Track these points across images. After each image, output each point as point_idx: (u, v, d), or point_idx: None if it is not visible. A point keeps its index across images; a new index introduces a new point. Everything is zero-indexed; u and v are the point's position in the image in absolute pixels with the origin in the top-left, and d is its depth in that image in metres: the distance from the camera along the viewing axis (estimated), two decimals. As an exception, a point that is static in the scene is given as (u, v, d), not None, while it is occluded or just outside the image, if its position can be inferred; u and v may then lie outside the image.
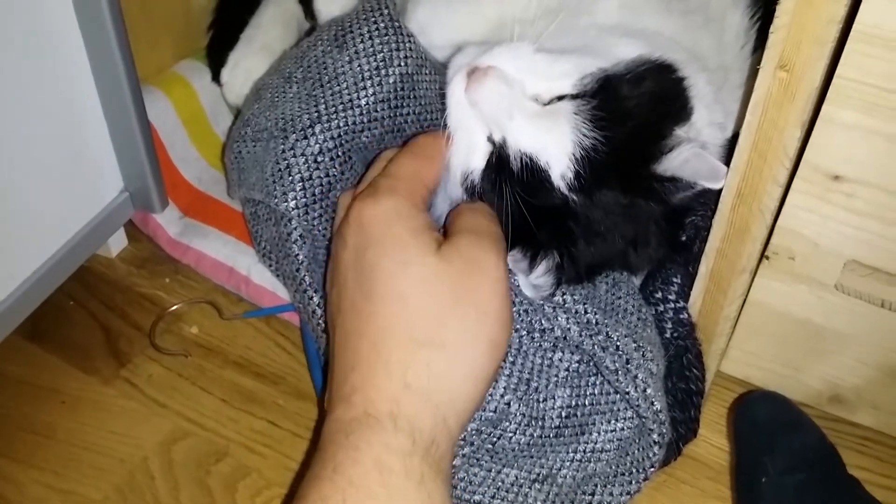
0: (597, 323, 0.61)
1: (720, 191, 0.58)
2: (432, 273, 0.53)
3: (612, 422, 0.63)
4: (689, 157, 0.58)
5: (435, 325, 0.52)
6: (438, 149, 0.62)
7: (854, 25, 0.50)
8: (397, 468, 0.48)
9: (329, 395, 0.55)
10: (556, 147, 0.58)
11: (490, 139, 0.61)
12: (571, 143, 0.57)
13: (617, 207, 0.60)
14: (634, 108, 0.59)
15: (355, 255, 0.56)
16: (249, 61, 0.86)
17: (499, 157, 0.60)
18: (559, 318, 0.61)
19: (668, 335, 0.64)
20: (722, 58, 0.71)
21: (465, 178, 0.62)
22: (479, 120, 0.60)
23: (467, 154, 0.62)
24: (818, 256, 0.62)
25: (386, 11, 0.70)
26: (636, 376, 0.59)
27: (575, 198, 0.59)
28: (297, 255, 0.66)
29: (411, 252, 0.54)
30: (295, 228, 0.66)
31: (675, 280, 0.64)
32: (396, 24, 0.69)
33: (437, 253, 0.54)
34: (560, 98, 0.59)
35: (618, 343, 0.61)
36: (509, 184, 0.59)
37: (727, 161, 0.58)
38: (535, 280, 0.61)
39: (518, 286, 0.62)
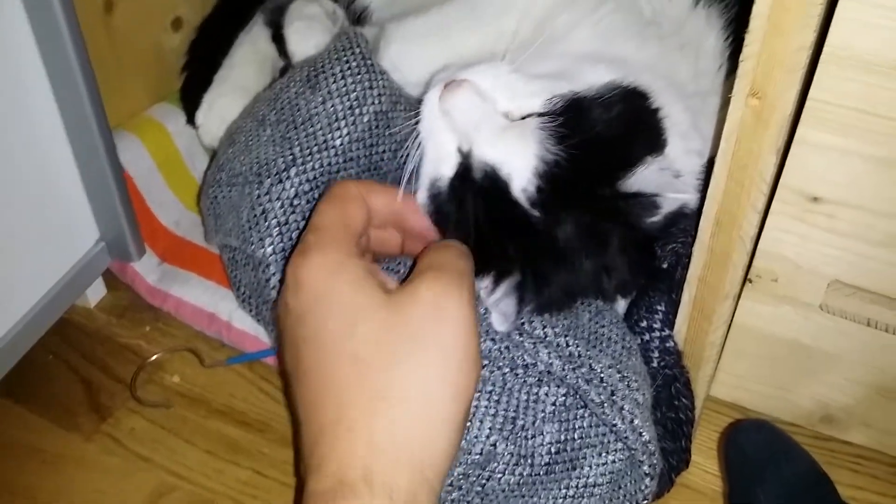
0: (579, 355, 0.60)
1: (699, 217, 0.58)
2: (383, 327, 0.51)
3: (604, 454, 0.62)
4: (653, 175, 0.59)
5: (394, 380, 0.50)
6: (352, 188, 0.60)
7: (824, 48, 0.50)
8: None
9: (302, 466, 0.52)
10: (518, 160, 0.59)
11: (459, 150, 0.62)
12: (534, 158, 0.59)
13: (583, 228, 0.60)
14: (603, 130, 0.60)
15: (299, 320, 0.53)
16: (224, 102, 0.85)
17: (465, 168, 0.61)
18: (540, 353, 0.60)
19: (655, 364, 0.64)
20: (699, 83, 0.71)
21: (433, 184, 0.63)
22: (450, 130, 0.62)
23: (437, 162, 0.63)
24: (801, 277, 0.62)
25: (358, 50, 0.69)
26: (622, 407, 0.59)
27: (537, 213, 0.59)
28: (277, 300, 0.65)
29: (357, 308, 0.51)
30: (273, 274, 0.65)
31: (659, 308, 0.64)
32: (369, 62, 0.69)
33: (387, 303, 0.52)
34: (530, 116, 0.61)
35: (601, 375, 0.60)
36: (472, 194, 0.60)
37: (706, 186, 0.57)
38: (498, 302, 0.61)
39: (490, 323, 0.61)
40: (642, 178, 0.59)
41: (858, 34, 0.49)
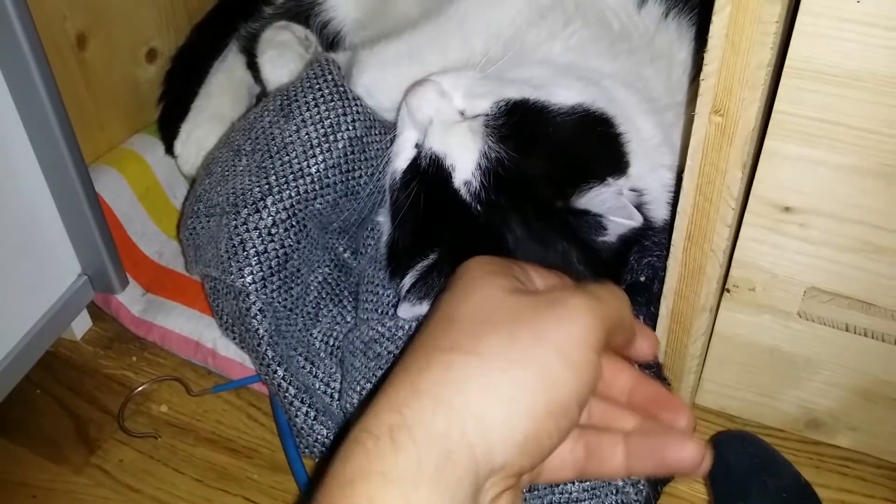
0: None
1: (671, 231, 0.58)
2: (493, 301, 0.45)
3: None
4: (605, 197, 0.60)
5: (470, 336, 0.43)
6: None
7: (786, 61, 0.51)
8: None
9: None
10: (462, 153, 0.62)
11: (417, 144, 0.66)
12: (477, 153, 0.62)
13: (531, 234, 0.62)
14: (557, 143, 0.63)
15: (439, 302, 0.49)
16: (202, 131, 0.86)
17: (416, 158, 0.65)
18: None
19: (636, 378, 0.64)
20: (673, 95, 0.72)
21: (393, 178, 0.67)
22: (413, 126, 0.66)
23: (397, 157, 0.67)
24: (778, 286, 0.62)
25: (330, 77, 0.70)
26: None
27: (479, 207, 0.62)
28: (258, 329, 0.65)
29: (481, 285, 0.46)
30: (254, 303, 0.65)
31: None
32: (342, 88, 0.69)
33: (513, 291, 0.46)
34: (480, 116, 0.64)
35: None
36: (417, 181, 0.64)
37: (675, 202, 0.58)
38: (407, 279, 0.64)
39: None
40: (595, 197, 0.60)
41: (817, 47, 0.49)
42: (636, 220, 0.60)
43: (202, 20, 0.93)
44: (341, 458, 0.40)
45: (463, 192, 0.62)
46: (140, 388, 0.78)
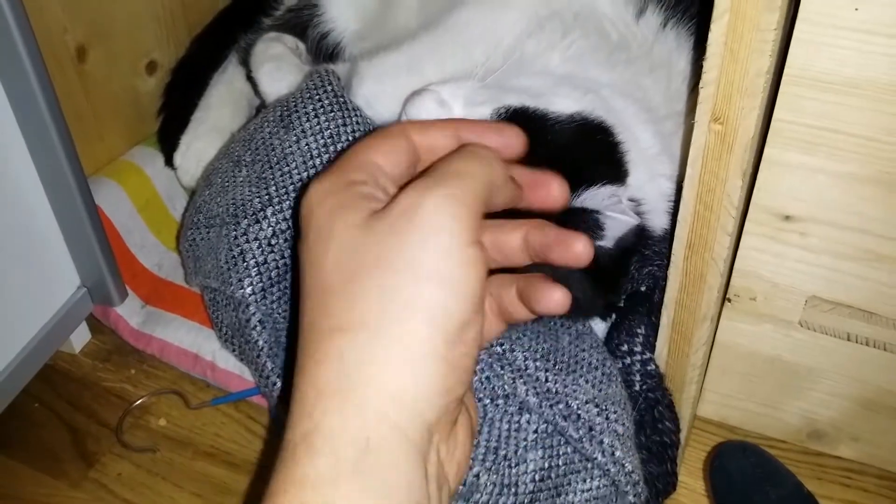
0: (556, 392, 0.60)
1: (672, 240, 0.58)
2: (352, 244, 0.41)
3: (588, 480, 0.62)
4: (602, 195, 0.60)
5: (349, 304, 0.40)
6: (394, 126, 0.48)
7: (785, 69, 0.51)
8: None
9: None
10: None
11: None
12: None
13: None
14: (556, 149, 0.61)
15: (296, 252, 0.47)
16: (201, 143, 0.86)
17: None
18: (518, 388, 0.60)
19: (637, 388, 0.64)
20: (672, 105, 0.72)
21: None
22: None
23: None
24: (779, 295, 0.62)
25: (330, 88, 0.70)
26: (601, 441, 0.59)
27: None
28: (258, 341, 0.65)
29: (333, 229, 0.42)
30: (254, 314, 0.65)
31: (639, 331, 0.64)
32: (342, 99, 0.69)
33: (367, 220, 0.42)
34: None
35: (579, 412, 0.60)
36: None
37: (675, 212, 0.58)
38: None
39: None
40: (592, 195, 0.60)
41: (816, 55, 0.50)
42: (633, 219, 0.60)
43: (202, 32, 0.93)
44: (272, 474, 0.39)
45: None
46: (138, 402, 0.78)
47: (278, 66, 0.83)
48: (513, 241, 0.47)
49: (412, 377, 0.39)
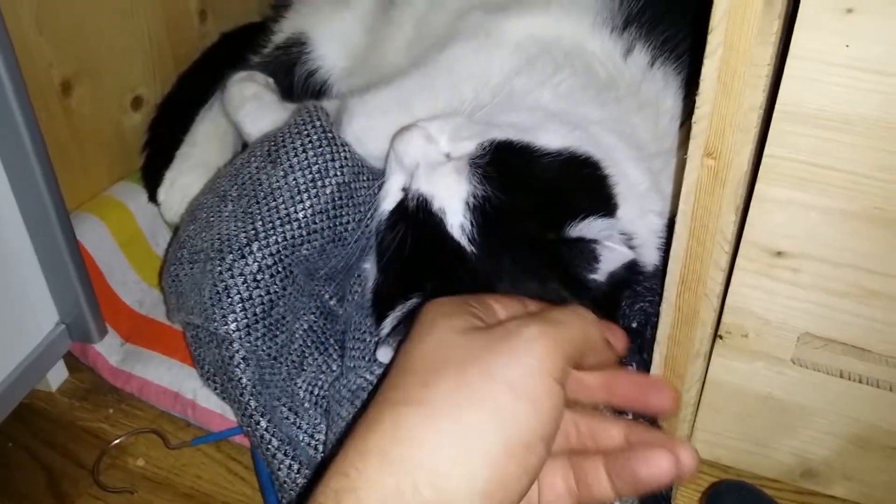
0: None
1: (664, 276, 0.58)
2: (446, 342, 0.43)
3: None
4: (599, 226, 0.60)
5: (420, 385, 0.42)
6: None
7: (776, 105, 0.51)
8: None
9: None
10: (448, 193, 0.62)
11: (403, 188, 0.66)
12: (464, 191, 0.61)
13: (523, 271, 0.61)
14: (544, 182, 0.62)
15: (397, 351, 0.48)
16: (186, 179, 0.85)
17: (403, 201, 0.65)
18: None
19: (630, 427, 0.63)
20: (661, 143, 0.72)
21: (379, 221, 0.67)
22: (400, 171, 0.66)
23: (385, 201, 0.67)
24: (771, 332, 0.62)
25: (318, 123, 0.69)
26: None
27: (473, 250, 0.61)
28: (241, 378, 0.64)
29: (434, 327, 0.45)
30: (237, 351, 0.64)
31: (630, 369, 0.63)
32: (330, 134, 0.69)
33: (468, 329, 0.44)
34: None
35: None
36: (405, 224, 0.63)
37: (668, 247, 0.57)
38: (392, 333, 0.62)
39: None
40: (589, 225, 0.60)
41: (807, 90, 0.50)
42: (628, 253, 0.59)
43: (188, 69, 0.93)
44: None
45: (453, 231, 0.61)
46: (116, 441, 0.75)
47: (259, 105, 0.83)
48: (611, 431, 0.46)
49: (459, 466, 0.39)
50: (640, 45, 0.75)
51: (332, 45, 0.88)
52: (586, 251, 0.59)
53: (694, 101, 0.76)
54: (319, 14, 0.90)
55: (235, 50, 0.93)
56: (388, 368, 0.45)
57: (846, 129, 0.50)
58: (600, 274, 0.59)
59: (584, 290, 0.61)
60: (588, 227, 0.59)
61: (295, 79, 0.90)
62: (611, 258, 0.59)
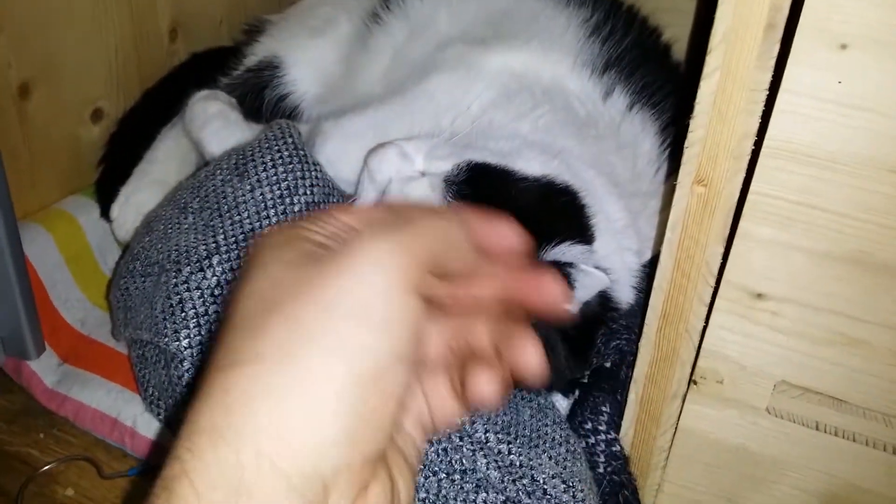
0: (521, 465, 0.55)
1: (643, 314, 0.56)
2: (275, 280, 0.38)
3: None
4: (575, 252, 0.58)
5: (251, 338, 0.37)
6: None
7: (765, 141, 0.50)
8: None
9: None
10: None
11: None
12: None
13: None
14: (521, 206, 0.60)
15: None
16: (142, 195, 0.81)
17: None
18: (478, 461, 0.55)
19: (601, 470, 0.60)
20: (638, 184, 0.71)
21: None
22: (371, 187, 0.64)
23: None
24: (747, 378, 0.60)
25: (290, 140, 0.67)
26: (572, 521, 0.54)
27: None
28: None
29: (264, 266, 0.39)
30: (187, 370, 0.59)
31: (604, 409, 0.61)
32: (301, 152, 0.67)
33: (302, 258, 0.38)
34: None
35: (545, 486, 0.55)
36: None
37: (647, 285, 0.56)
38: None
39: None
40: (565, 249, 0.59)
41: (797, 127, 0.49)
42: (603, 278, 0.57)
43: (154, 85, 0.90)
44: None
45: None
46: (45, 468, 0.69)
47: (224, 123, 0.80)
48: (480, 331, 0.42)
49: (305, 418, 0.35)
50: (620, 88, 0.75)
51: (305, 71, 0.87)
52: (562, 275, 0.57)
53: (670, 148, 0.76)
54: (295, 39, 0.88)
55: (204, 70, 0.91)
56: (218, 327, 0.40)
57: (834, 168, 0.50)
58: (574, 303, 0.57)
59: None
60: (563, 252, 0.57)
61: (265, 102, 0.87)
62: (586, 283, 0.57)
